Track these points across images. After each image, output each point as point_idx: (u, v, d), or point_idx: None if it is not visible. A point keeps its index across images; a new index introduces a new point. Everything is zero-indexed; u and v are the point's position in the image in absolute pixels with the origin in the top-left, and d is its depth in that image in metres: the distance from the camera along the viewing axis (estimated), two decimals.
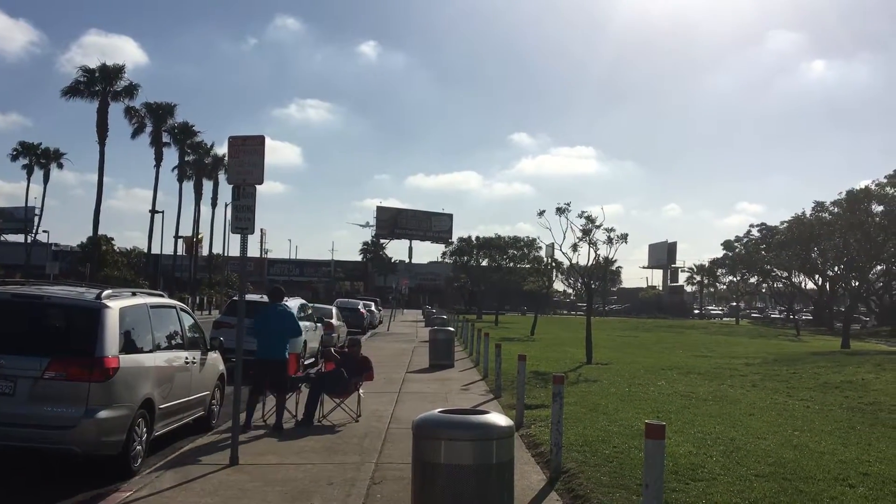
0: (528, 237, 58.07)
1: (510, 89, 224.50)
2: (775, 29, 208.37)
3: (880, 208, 37.32)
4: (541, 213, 23.86)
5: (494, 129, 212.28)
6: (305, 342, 19.33)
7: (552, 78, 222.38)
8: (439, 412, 5.62)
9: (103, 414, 7.45)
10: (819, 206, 46.31)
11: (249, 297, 17.22)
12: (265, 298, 13.56)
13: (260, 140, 8.47)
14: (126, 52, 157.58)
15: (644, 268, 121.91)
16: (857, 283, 42.11)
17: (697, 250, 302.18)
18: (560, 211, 23.00)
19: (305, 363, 18.31)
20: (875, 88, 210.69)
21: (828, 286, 62.79)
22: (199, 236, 73.92)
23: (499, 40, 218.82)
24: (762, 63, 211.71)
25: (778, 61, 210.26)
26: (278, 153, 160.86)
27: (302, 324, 19.15)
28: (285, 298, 11.99)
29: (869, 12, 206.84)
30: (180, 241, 71.07)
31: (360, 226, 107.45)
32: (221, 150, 66.50)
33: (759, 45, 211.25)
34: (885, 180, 38.00)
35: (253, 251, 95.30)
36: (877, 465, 8.48)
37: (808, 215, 49.02)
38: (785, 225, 55.69)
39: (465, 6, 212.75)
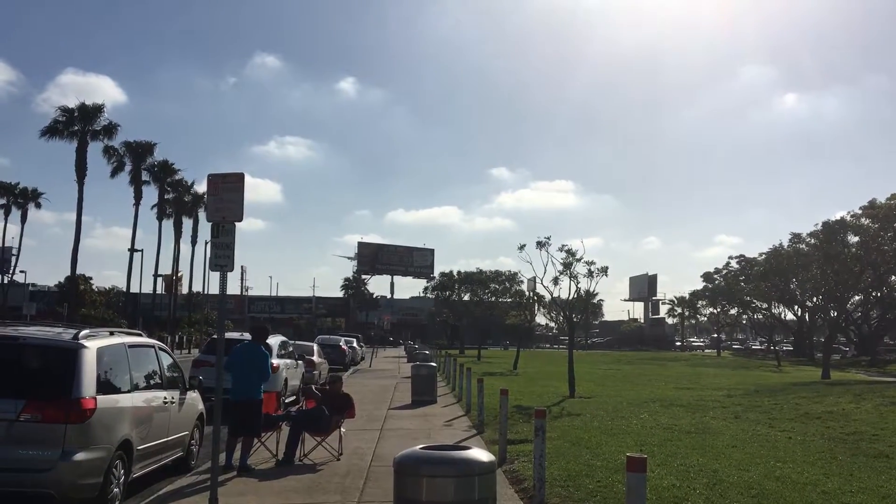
0: (509, 271, 58.11)
1: (489, 124, 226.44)
2: (748, 64, 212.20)
3: (856, 239, 37.90)
4: (521, 248, 24.06)
5: (474, 164, 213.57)
6: (286, 380, 19.15)
7: (530, 113, 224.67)
8: (420, 448, 5.57)
9: (80, 456, 7.34)
10: (796, 237, 46.99)
11: (229, 334, 17.10)
12: (244, 336, 13.42)
13: (239, 177, 8.48)
14: (104, 90, 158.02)
15: (625, 300, 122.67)
16: (835, 314, 42.54)
17: (678, 282, 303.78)
18: (540, 245, 23.16)
19: (286, 401, 18.16)
20: (846, 120, 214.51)
21: (807, 317, 63.35)
22: (179, 275, 73.38)
23: (476, 76, 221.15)
24: (735, 97, 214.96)
25: (751, 95, 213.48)
26: (258, 190, 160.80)
27: (283, 361, 19.12)
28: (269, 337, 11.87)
29: (838, 46, 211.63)
30: (160, 280, 70.51)
31: (349, 258, 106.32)
32: (201, 187, 66.33)
33: (732, 80, 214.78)
34: (860, 211, 38.69)
35: (234, 289, 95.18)
36: (858, 496, 8.50)
37: (785, 247, 49.65)
38: (763, 257, 56.38)
39: (443, 42, 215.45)
